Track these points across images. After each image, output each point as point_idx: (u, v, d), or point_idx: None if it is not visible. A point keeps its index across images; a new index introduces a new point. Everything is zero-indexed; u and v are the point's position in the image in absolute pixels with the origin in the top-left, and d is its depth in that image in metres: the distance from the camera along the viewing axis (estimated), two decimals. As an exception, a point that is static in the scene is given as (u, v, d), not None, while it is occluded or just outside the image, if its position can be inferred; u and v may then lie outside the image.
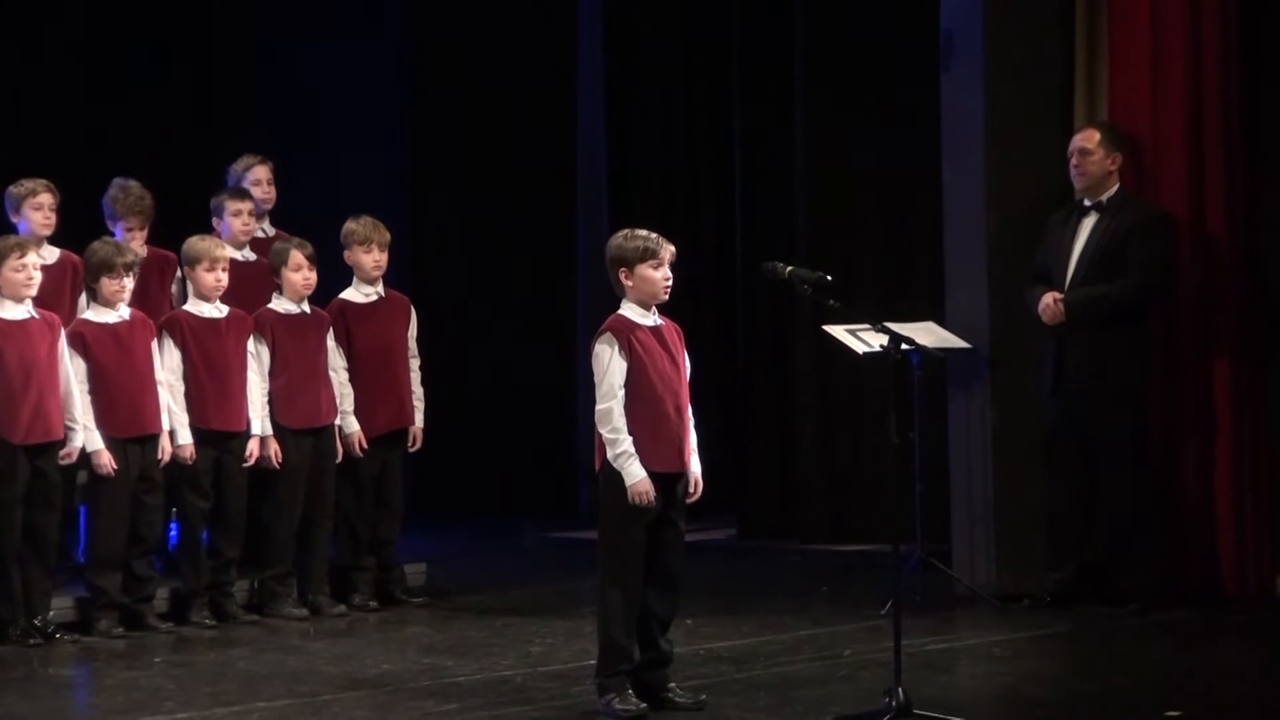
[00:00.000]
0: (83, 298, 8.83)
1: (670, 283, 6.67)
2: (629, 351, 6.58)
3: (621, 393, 6.54)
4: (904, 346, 6.65)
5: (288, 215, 9.63)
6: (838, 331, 8.82)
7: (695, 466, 6.69)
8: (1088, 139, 8.57)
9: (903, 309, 8.96)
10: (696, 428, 6.77)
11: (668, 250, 6.67)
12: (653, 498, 6.51)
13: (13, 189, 8.80)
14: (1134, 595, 8.46)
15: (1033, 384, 8.70)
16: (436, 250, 12.15)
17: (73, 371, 8.23)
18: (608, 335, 6.60)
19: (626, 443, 6.51)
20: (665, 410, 6.60)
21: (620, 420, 6.53)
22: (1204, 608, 8.40)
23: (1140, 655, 7.71)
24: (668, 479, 6.63)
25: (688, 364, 6.76)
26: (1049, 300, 8.51)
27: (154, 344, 8.44)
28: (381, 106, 12.27)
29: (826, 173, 10.70)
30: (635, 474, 6.50)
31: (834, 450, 10.67)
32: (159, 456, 8.39)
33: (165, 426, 8.42)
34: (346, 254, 9.01)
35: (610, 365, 6.56)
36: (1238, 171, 8.63)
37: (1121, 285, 8.45)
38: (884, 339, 6.67)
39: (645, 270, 6.64)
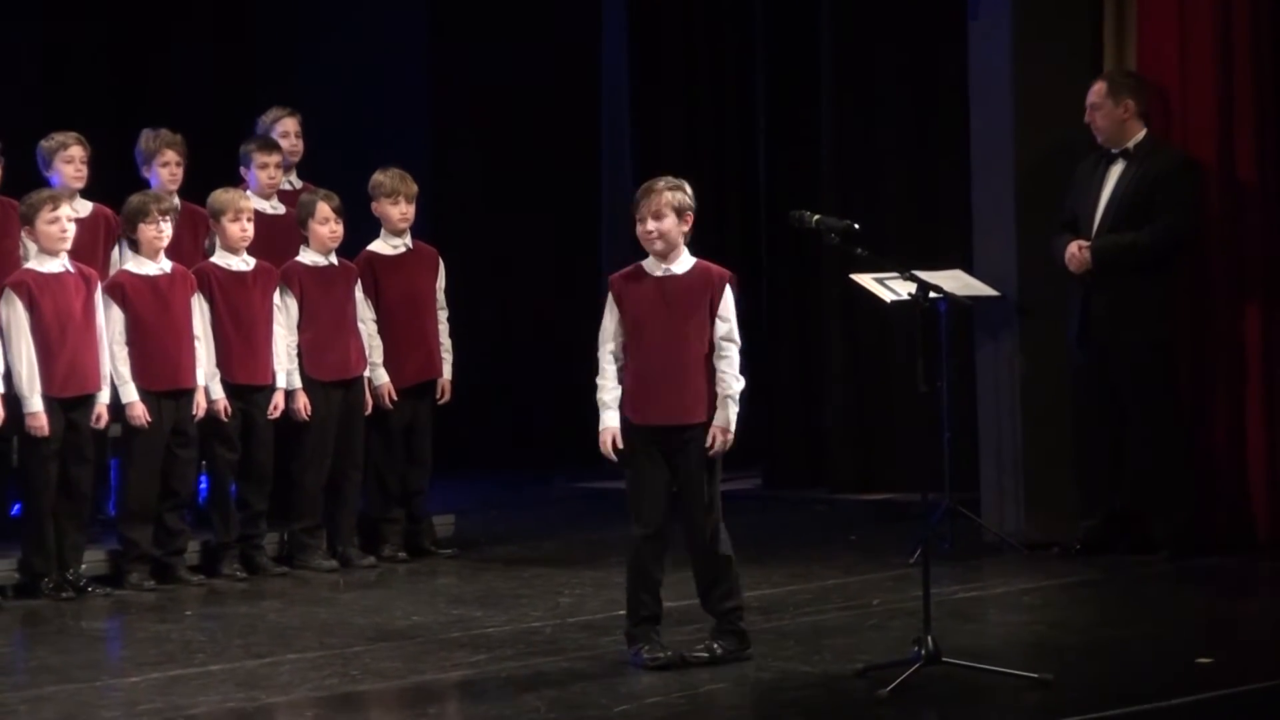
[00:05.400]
0: (115, 252, 8.87)
1: (653, 234, 6.66)
2: (619, 302, 6.69)
3: (610, 343, 6.69)
4: (932, 295, 6.62)
5: (313, 168, 9.62)
6: (865, 280, 8.79)
7: (719, 418, 6.62)
8: (1095, 92, 8.52)
9: (930, 257, 8.93)
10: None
11: (645, 206, 6.68)
12: (609, 450, 6.62)
13: (44, 143, 8.84)
14: (1164, 543, 8.44)
15: (1061, 332, 8.67)
16: (460, 201, 12.12)
17: (110, 322, 8.25)
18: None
19: (601, 389, 6.69)
20: (652, 363, 6.63)
21: (602, 366, 6.69)
22: (1235, 555, 8.37)
23: (1170, 603, 7.70)
24: (669, 431, 6.64)
25: (721, 314, 6.64)
26: (1075, 249, 8.47)
27: (193, 299, 8.46)
28: (404, 58, 12.24)
29: (852, 119, 10.65)
30: (604, 422, 6.66)
31: (861, 399, 10.66)
32: (194, 412, 8.41)
33: (200, 382, 8.44)
34: (374, 206, 9.01)
35: (605, 313, 6.72)
36: (1269, 117, 8.55)
37: (1149, 231, 8.41)
38: (912, 287, 6.65)
39: (637, 225, 6.71)
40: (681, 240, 6.70)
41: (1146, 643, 6.94)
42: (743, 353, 6.73)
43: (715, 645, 6.65)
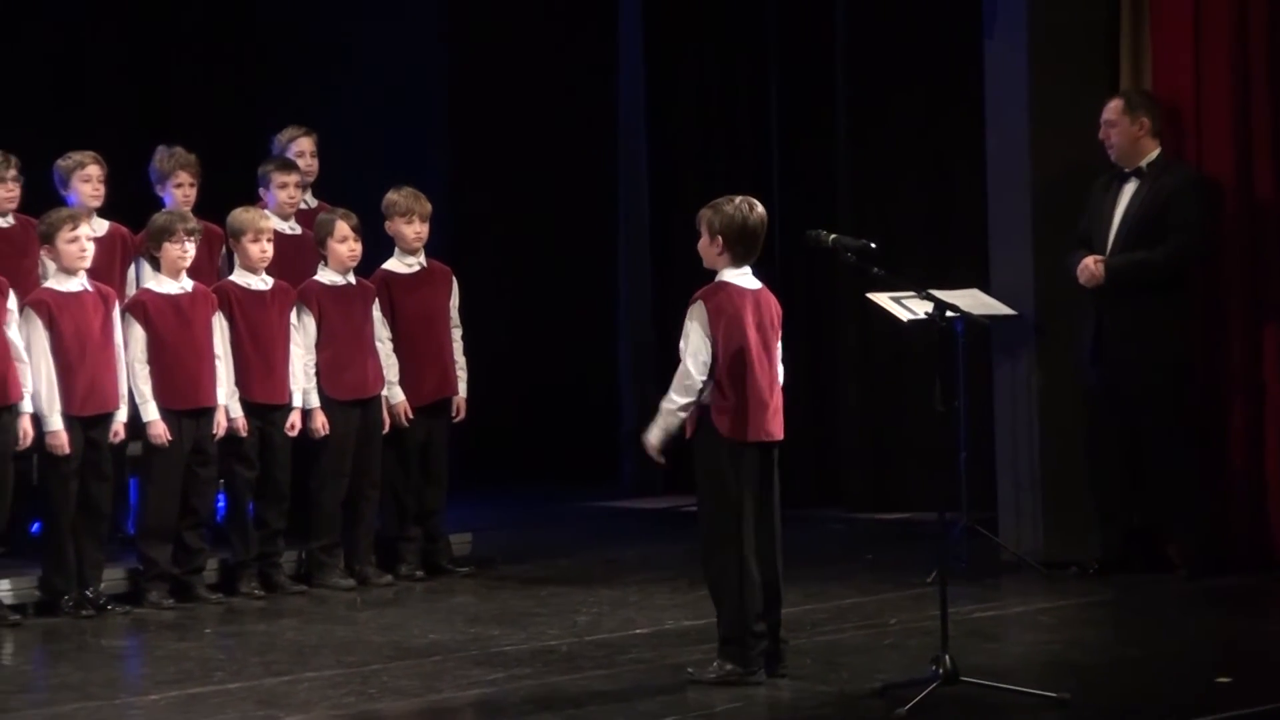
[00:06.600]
0: (131, 270, 8.89)
1: None
2: None
3: None
4: (949, 314, 6.63)
5: (328, 186, 9.65)
6: (882, 299, 8.80)
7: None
8: (1110, 109, 8.52)
9: (947, 276, 8.94)
10: None
11: None
12: None
13: (61, 162, 8.86)
14: (1182, 561, 8.43)
15: (1077, 350, 8.66)
16: (477, 220, 12.14)
17: (131, 341, 8.27)
18: None
19: None
20: None
21: None
22: (1253, 573, 8.36)
23: (1189, 621, 7.69)
24: None
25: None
26: (1088, 262, 8.47)
27: (215, 318, 8.48)
28: (421, 77, 12.27)
29: (868, 139, 10.67)
30: None
31: (878, 418, 10.66)
32: (214, 431, 8.43)
33: (220, 401, 8.46)
34: (388, 225, 9.03)
35: None
36: (1285, 134, 8.56)
37: (1162, 250, 8.40)
38: (929, 306, 6.65)
39: None
40: (713, 259, 6.69)
41: (1165, 662, 6.93)
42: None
43: (726, 666, 6.63)
